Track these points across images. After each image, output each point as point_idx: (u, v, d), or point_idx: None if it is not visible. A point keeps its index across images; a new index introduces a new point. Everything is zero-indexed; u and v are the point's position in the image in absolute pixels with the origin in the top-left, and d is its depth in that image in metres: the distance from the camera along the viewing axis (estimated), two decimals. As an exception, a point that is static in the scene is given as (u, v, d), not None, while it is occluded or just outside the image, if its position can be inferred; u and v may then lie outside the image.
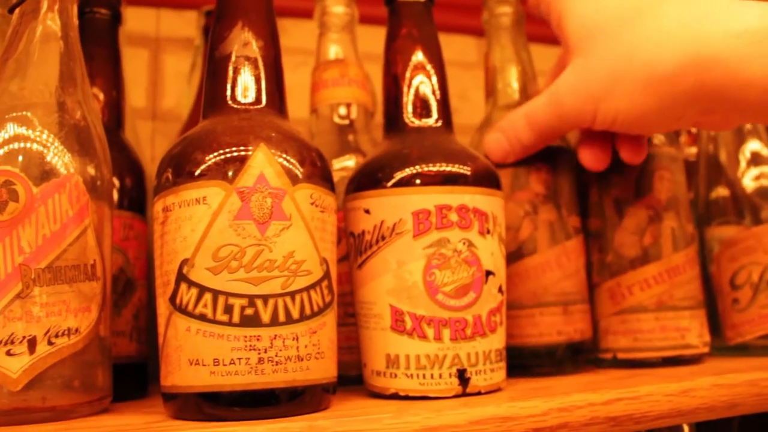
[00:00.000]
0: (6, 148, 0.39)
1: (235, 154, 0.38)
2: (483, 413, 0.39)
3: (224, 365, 0.36)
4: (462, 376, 0.43)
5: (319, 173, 0.41)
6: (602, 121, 0.49)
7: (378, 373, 0.44)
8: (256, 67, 0.42)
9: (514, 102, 0.60)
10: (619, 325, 0.57)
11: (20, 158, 0.39)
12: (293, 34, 0.87)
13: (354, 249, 0.46)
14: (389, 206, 0.44)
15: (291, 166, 0.39)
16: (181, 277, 0.37)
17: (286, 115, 0.43)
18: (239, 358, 0.36)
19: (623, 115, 0.48)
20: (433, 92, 0.48)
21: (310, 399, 0.38)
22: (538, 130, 0.52)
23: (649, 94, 0.46)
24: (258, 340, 0.37)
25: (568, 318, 0.55)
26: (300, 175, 0.39)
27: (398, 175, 0.44)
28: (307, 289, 0.38)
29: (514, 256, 0.54)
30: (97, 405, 0.41)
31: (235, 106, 0.41)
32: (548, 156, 0.56)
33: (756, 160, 0.66)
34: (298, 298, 0.38)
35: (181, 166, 0.39)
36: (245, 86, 0.42)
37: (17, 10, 0.43)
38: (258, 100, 0.42)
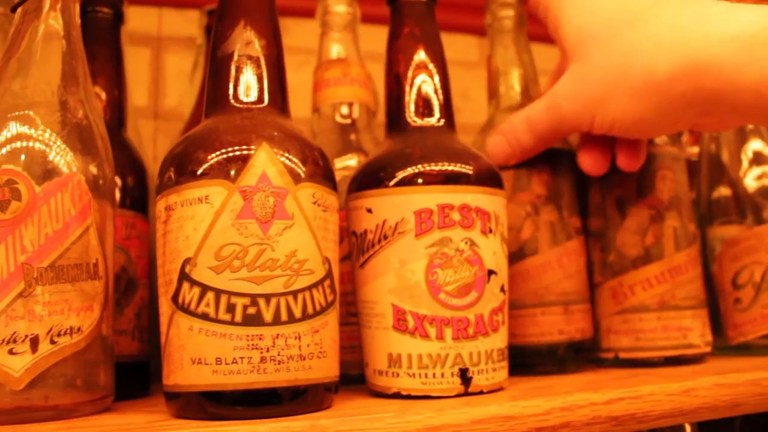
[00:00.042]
0: (8, 147, 0.39)
1: (238, 153, 0.38)
2: (485, 413, 0.39)
3: (226, 364, 0.36)
4: (464, 376, 0.43)
5: (322, 172, 0.41)
6: (600, 126, 0.50)
7: (380, 373, 0.44)
8: (259, 66, 0.42)
9: (517, 104, 0.61)
10: (621, 324, 0.57)
11: (23, 157, 0.39)
12: (295, 33, 0.87)
13: (356, 248, 0.46)
14: (391, 205, 0.44)
15: (293, 166, 0.39)
16: (183, 276, 0.38)
17: (288, 114, 0.43)
18: (241, 357, 0.36)
19: (620, 120, 0.48)
20: (435, 91, 0.48)
21: (313, 398, 0.38)
22: (538, 134, 0.53)
23: (645, 99, 0.46)
24: (260, 339, 0.37)
25: (569, 317, 0.55)
26: (302, 175, 0.39)
27: (400, 175, 0.44)
28: (310, 288, 0.38)
29: (516, 256, 0.55)
30: (99, 404, 0.41)
31: (238, 105, 0.41)
32: (549, 158, 0.56)
33: (758, 159, 0.66)
34: (300, 297, 0.38)
35: (183, 165, 0.39)
36: (247, 85, 0.42)
37: (20, 9, 0.43)
38: (260, 99, 0.42)
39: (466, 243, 0.44)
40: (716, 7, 0.44)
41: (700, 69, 0.43)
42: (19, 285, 0.38)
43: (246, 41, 0.42)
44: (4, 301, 0.37)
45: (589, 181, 0.59)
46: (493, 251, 0.45)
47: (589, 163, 0.54)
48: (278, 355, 0.37)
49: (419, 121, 0.48)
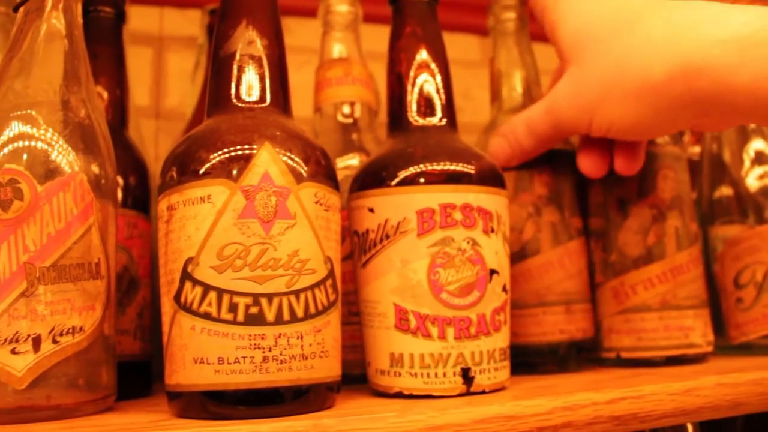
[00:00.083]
0: (10, 147, 0.39)
1: (240, 152, 0.38)
2: (487, 412, 0.39)
3: (229, 364, 0.36)
4: (466, 375, 0.43)
5: (324, 172, 0.41)
6: (598, 129, 0.50)
7: (382, 372, 0.44)
8: (261, 66, 0.42)
9: (519, 105, 0.61)
10: (623, 324, 0.57)
11: (25, 157, 0.39)
12: (297, 32, 0.87)
13: (358, 248, 0.46)
14: (393, 205, 0.44)
15: (295, 165, 0.39)
16: (185, 276, 0.38)
17: (290, 113, 0.43)
18: (244, 357, 0.36)
19: (618, 123, 0.49)
20: (437, 91, 0.48)
21: (315, 398, 0.38)
22: (538, 137, 0.53)
23: (641, 102, 0.46)
24: (262, 338, 0.37)
25: (571, 317, 0.55)
26: (304, 174, 0.39)
27: (402, 174, 0.44)
28: (312, 287, 0.38)
29: (518, 256, 0.55)
30: (101, 403, 0.41)
31: (240, 104, 0.41)
32: (551, 159, 0.56)
33: (760, 159, 0.66)
34: (302, 296, 0.38)
35: (185, 165, 0.39)
36: (250, 85, 0.42)
37: (22, 9, 0.43)
38: (262, 99, 0.42)
39: (468, 242, 0.44)
40: (710, 9, 0.44)
41: (694, 71, 0.43)
42: (22, 284, 0.38)
43: (248, 41, 0.42)
44: (6, 301, 0.37)
45: (591, 181, 0.59)
46: (495, 251, 0.45)
47: (588, 165, 0.54)
48: (280, 354, 0.37)
49: (421, 121, 0.48)
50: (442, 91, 0.49)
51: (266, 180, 0.38)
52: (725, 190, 0.66)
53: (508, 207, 0.48)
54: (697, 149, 0.74)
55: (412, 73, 0.48)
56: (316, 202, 0.39)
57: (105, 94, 0.55)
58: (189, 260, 0.37)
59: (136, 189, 0.54)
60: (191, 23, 0.85)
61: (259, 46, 0.42)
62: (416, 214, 0.43)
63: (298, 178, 0.39)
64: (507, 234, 0.47)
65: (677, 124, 0.49)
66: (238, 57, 0.42)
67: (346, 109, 0.62)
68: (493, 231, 0.45)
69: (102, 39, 0.55)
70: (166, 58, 0.86)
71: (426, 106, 0.48)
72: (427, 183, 0.44)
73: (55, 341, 0.38)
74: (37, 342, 0.38)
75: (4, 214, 0.38)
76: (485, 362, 0.44)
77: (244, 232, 0.37)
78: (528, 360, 0.55)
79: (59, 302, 0.38)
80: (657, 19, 0.46)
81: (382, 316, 0.44)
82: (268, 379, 0.36)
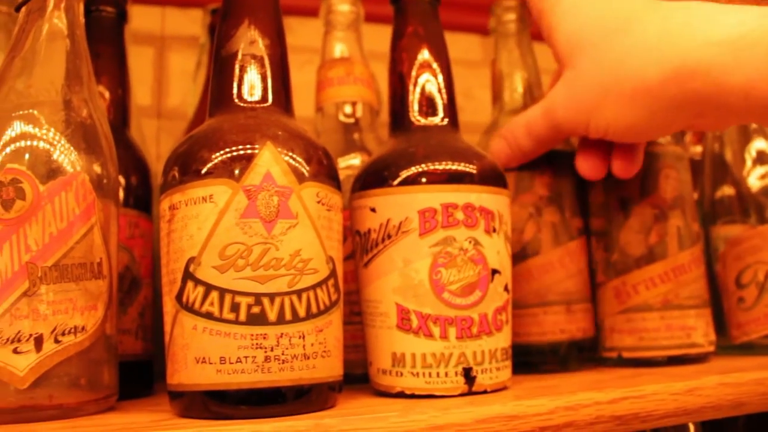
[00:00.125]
0: (13, 146, 0.39)
1: (242, 152, 0.38)
2: (489, 412, 0.39)
3: (231, 363, 0.36)
4: (468, 375, 0.43)
5: (326, 172, 0.41)
6: (595, 131, 0.50)
7: (384, 372, 0.44)
8: (263, 66, 0.42)
9: (520, 107, 0.62)
10: (625, 323, 0.57)
11: (27, 156, 0.39)
12: (299, 32, 0.87)
13: (360, 247, 0.46)
14: (395, 205, 0.44)
15: (297, 165, 0.39)
16: (187, 276, 0.38)
17: (292, 113, 0.43)
18: (246, 357, 0.36)
19: (614, 126, 0.49)
20: (439, 90, 0.48)
21: (317, 397, 0.38)
22: (536, 138, 0.53)
23: (636, 105, 0.47)
24: (264, 338, 0.37)
25: (571, 317, 0.56)
26: (306, 174, 0.39)
27: (404, 174, 0.44)
28: (314, 287, 0.38)
29: (519, 256, 0.55)
30: (103, 403, 0.41)
31: (242, 104, 0.41)
32: (551, 160, 0.57)
33: (761, 158, 0.66)
34: (304, 296, 0.38)
35: (187, 165, 0.39)
36: (252, 84, 0.42)
37: (24, 9, 0.43)
38: (264, 99, 0.42)
39: (469, 242, 0.44)
40: (703, 11, 0.44)
41: (688, 73, 0.43)
42: (24, 284, 0.38)
43: (250, 40, 0.42)
44: (8, 301, 0.37)
45: (592, 181, 0.59)
46: (497, 250, 0.45)
47: (587, 167, 0.55)
48: (282, 354, 0.37)
49: (423, 121, 0.48)
50: (443, 90, 0.49)
51: (268, 180, 0.38)
52: (727, 190, 0.66)
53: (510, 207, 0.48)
54: (698, 149, 0.73)
55: (413, 73, 0.48)
56: (318, 202, 0.39)
57: (107, 94, 0.55)
58: (191, 260, 0.37)
59: (138, 188, 0.54)
60: (193, 23, 0.85)
61: (261, 46, 0.42)
62: (418, 214, 0.43)
63: (300, 177, 0.39)
64: (509, 234, 0.47)
65: (674, 126, 0.49)
66: (240, 57, 0.42)
67: (348, 109, 0.62)
68: (495, 231, 0.45)
69: (104, 38, 0.55)
70: (167, 58, 0.86)
71: (428, 105, 0.48)
72: (429, 183, 0.44)
73: (57, 341, 0.38)
74: (39, 341, 0.38)
75: (6, 214, 0.38)
76: (487, 362, 0.44)
77: (246, 231, 0.37)
78: (529, 359, 0.55)
79: (61, 302, 0.38)
80: (651, 21, 0.46)
81: (384, 316, 0.44)
82: (269, 378, 0.36)
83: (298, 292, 0.38)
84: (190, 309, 0.37)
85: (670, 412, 0.44)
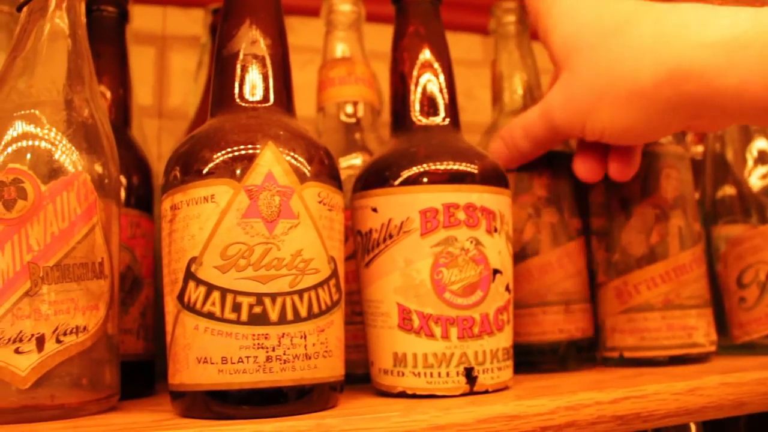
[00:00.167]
0: (14, 146, 0.39)
1: (243, 152, 0.38)
2: (491, 412, 0.39)
3: (232, 363, 0.36)
4: (469, 375, 0.43)
5: (327, 171, 0.41)
6: (591, 134, 0.50)
7: (385, 372, 0.44)
8: (264, 66, 0.42)
9: (520, 108, 0.62)
10: (626, 323, 0.57)
11: (28, 156, 0.39)
12: (300, 32, 0.87)
13: (361, 247, 0.46)
14: (397, 205, 0.44)
15: (299, 165, 0.39)
16: (189, 276, 0.38)
17: (293, 113, 0.43)
18: (247, 357, 0.36)
19: (610, 128, 0.49)
20: (441, 90, 0.48)
21: (318, 397, 0.38)
22: (534, 140, 0.54)
23: (632, 107, 0.47)
24: (266, 338, 0.37)
25: (570, 316, 0.56)
26: (308, 174, 0.39)
27: (405, 174, 0.44)
28: (315, 287, 0.38)
29: (518, 257, 0.55)
30: (105, 403, 0.41)
31: (243, 104, 0.41)
32: (550, 161, 0.57)
33: (763, 158, 0.66)
34: (306, 296, 0.38)
35: (189, 165, 0.39)
36: (253, 84, 0.42)
37: (25, 8, 0.43)
38: (266, 99, 0.42)
39: (471, 242, 0.44)
40: (697, 13, 0.44)
41: (682, 75, 0.44)
42: (25, 284, 0.38)
43: (251, 40, 0.42)
44: (10, 300, 0.37)
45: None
46: (498, 250, 0.45)
47: (584, 170, 0.55)
48: (284, 354, 0.37)
49: (424, 120, 0.48)
50: (445, 90, 0.49)
51: (270, 180, 0.38)
52: (728, 190, 0.66)
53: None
54: (700, 149, 0.74)
55: (415, 73, 0.48)
56: (320, 202, 0.39)
57: (108, 94, 0.55)
58: (192, 260, 0.37)
59: (139, 188, 0.54)
60: (194, 22, 0.85)
61: (262, 46, 0.42)
62: (419, 214, 0.43)
63: (302, 177, 0.39)
64: (510, 233, 0.47)
65: (670, 128, 0.49)
66: (241, 56, 0.42)
67: (349, 109, 0.62)
68: (496, 231, 0.45)
69: (105, 38, 0.55)
70: (169, 58, 0.86)
71: (429, 105, 0.48)
72: (430, 183, 0.44)
73: (58, 341, 0.38)
74: (40, 341, 0.38)
75: (8, 214, 0.38)
76: (488, 362, 0.44)
77: (248, 231, 0.37)
78: (528, 359, 0.55)
79: (63, 302, 0.38)
80: (645, 24, 0.46)
81: (385, 316, 0.44)
82: (271, 378, 0.36)
83: (300, 292, 0.38)
84: (191, 309, 0.37)
85: (672, 411, 0.44)
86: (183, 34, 0.87)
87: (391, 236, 0.44)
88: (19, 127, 0.40)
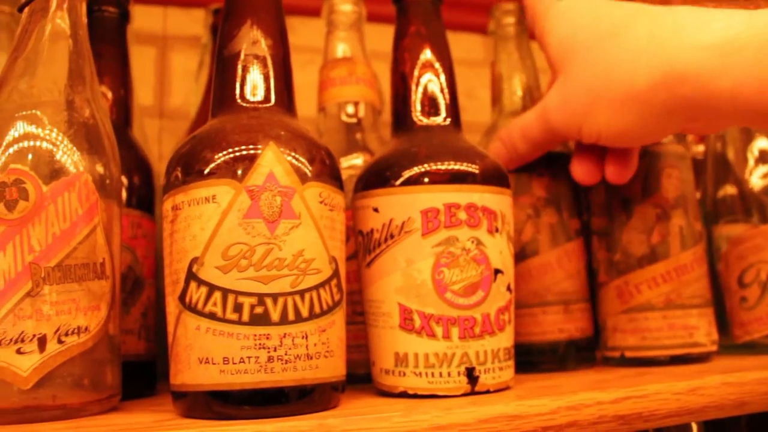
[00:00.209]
0: (16, 147, 0.39)
1: (245, 152, 0.38)
2: (492, 412, 0.39)
3: (234, 364, 0.36)
4: (471, 375, 0.43)
5: (328, 172, 0.41)
6: (588, 136, 0.51)
7: (387, 372, 0.44)
8: (265, 66, 0.42)
9: (519, 109, 0.63)
10: (627, 323, 0.57)
11: (30, 157, 0.39)
12: (301, 32, 0.87)
13: (362, 247, 0.46)
14: (398, 205, 0.44)
15: (300, 165, 0.39)
16: (190, 276, 0.38)
17: (295, 113, 0.43)
18: (249, 357, 0.36)
19: (606, 131, 0.49)
20: (442, 90, 0.48)
21: (320, 397, 0.39)
22: (532, 142, 0.54)
23: (627, 110, 0.47)
24: (267, 338, 0.37)
25: (569, 316, 0.56)
26: (309, 174, 0.39)
27: (407, 174, 0.44)
28: (317, 287, 0.38)
29: (518, 257, 0.55)
30: (106, 403, 0.41)
31: (244, 104, 0.41)
32: (549, 162, 0.57)
33: (764, 158, 0.66)
34: (307, 296, 0.38)
35: (190, 165, 0.39)
36: (254, 85, 0.42)
37: (27, 9, 0.43)
38: (267, 99, 0.42)
39: (472, 242, 0.44)
40: (692, 16, 0.44)
41: (677, 78, 0.44)
42: (27, 284, 0.38)
43: (252, 40, 0.42)
44: (11, 301, 0.37)
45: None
46: (499, 250, 0.45)
47: (581, 172, 0.55)
48: (285, 354, 0.37)
49: (425, 120, 0.48)
50: (446, 90, 0.49)
51: (271, 180, 0.38)
52: (729, 189, 0.66)
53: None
54: (701, 148, 0.74)
55: (416, 73, 0.48)
56: (321, 202, 0.39)
57: (109, 94, 0.55)
58: (194, 260, 0.37)
59: (141, 189, 0.54)
60: (195, 23, 0.85)
61: (263, 46, 0.42)
62: (421, 214, 0.43)
63: (303, 177, 0.39)
64: (511, 233, 0.47)
65: (666, 130, 0.49)
66: (242, 57, 0.42)
67: (350, 109, 0.62)
68: (497, 231, 0.45)
69: (106, 39, 0.55)
70: (170, 58, 0.86)
71: (430, 105, 0.48)
72: (431, 183, 0.44)
73: (60, 341, 0.38)
74: (42, 342, 0.38)
75: (10, 215, 0.38)
76: (490, 362, 0.44)
77: (249, 232, 0.37)
78: (528, 359, 0.55)
79: (64, 302, 0.38)
80: (641, 27, 0.46)
81: (386, 316, 0.44)
82: (272, 379, 0.36)
83: (301, 293, 0.38)
84: (193, 309, 0.37)
85: (673, 411, 0.44)
86: (184, 35, 0.87)
87: (392, 236, 0.44)
88: (20, 127, 0.40)
